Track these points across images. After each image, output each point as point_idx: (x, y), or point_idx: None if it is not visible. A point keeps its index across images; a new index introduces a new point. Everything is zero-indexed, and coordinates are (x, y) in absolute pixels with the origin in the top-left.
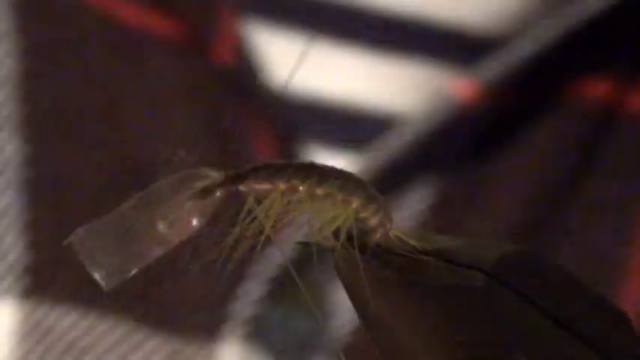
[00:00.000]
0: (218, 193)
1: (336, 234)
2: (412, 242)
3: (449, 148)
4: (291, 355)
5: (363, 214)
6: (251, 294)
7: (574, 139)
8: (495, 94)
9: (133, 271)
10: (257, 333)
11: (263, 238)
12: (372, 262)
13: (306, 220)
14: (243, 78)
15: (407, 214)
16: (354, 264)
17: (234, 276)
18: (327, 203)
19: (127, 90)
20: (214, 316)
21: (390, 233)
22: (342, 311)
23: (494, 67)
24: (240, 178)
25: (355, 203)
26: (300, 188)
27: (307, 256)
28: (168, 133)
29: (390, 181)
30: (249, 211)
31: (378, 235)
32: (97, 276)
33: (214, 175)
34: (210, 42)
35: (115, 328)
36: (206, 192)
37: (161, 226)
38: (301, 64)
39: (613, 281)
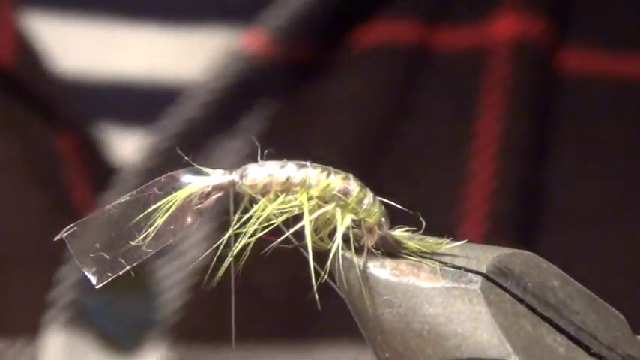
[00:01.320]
0: (213, 193)
1: (332, 235)
2: (409, 244)
3: (249, 100)
4: (121, 338)
5: (359, 216)
6: (70, 278)
7: (387, 81)
8: (289, 42)
9: (125, 268)
10: (83, 319)
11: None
12: (368, 264)
13: (301, 221)
14: (28, 74)
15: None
16: (351, 265)
17: (52, 262)
18: (323, 204)
19: None
20: (36, 307)
21: (387, 235)
22: (170, 289)
23: (282, 17)
24: (235, 178)
25: (352, 205)
26: (296, 189)
27: None
28: None
29: (190, 144)
30: (244, 211)
31: (374, 237)
32: (87, 272)
33: (209, 175)
34: None
35: None
36: (201, 191)
37: (154, 224)
38: (89, 47)
39: (449, 221)
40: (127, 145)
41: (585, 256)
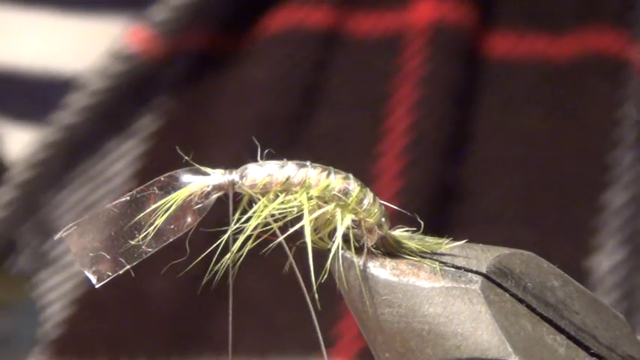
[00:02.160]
0: (213, 192)
1: (332, 235)
2: (409, 244)
3: (142, 96)
4: (2, 353)
5: (359, 216)
6: None
7: (296, 68)
8: (176, 35)
9: (125, 268)
10: None
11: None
12: (368, 264)
13: (301, 221)
14: None
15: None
16: (351, 265)
17: None
18: (323, 204)
19: None
20: None
21: (387, 235)
22: (53, 303)
23: (166, 10)
24: (235, 177)
25: (352, 205)
26: (296, 189)
27: None
28: None
29: (81, 140)
30: (244, 211)
31: (374, 237)
32: (87, 271)
33: (209, 175)
34: None
35: None
36: (201, 191)
37: (154, 224)
38: None
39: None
40: (18, 140)
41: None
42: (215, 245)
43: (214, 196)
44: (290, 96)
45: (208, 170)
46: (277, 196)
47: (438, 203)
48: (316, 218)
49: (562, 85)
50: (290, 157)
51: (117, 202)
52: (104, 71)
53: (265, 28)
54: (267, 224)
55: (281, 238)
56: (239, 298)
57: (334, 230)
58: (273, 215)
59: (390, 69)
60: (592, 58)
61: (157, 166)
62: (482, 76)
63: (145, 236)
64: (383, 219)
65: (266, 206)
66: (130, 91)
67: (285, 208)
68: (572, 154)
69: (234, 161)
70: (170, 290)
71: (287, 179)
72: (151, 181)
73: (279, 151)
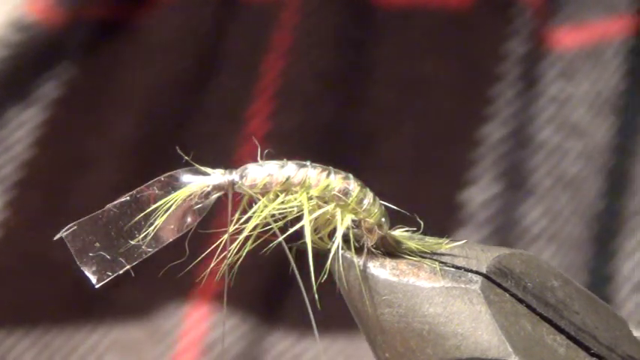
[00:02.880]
0: (212, 192)
1: (332, 235)
2: (409, 244)
3: (43, 65)
4: None
5: (359, 216)
6: None
7: (196, 32)
8: (72, 4)
9: (125, 268)
10: None
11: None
12: (368, 264)
13: (301, 221)
14: None
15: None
16: (351, 265)
17: None
18: (322, 204)
19: None
20: None
21: (387, 235)
22: None
23: None
24: (235, 177)
25: (352, 205)
26: (296, 189)
27: None
28: None
29: None
30: (244, 211)
31: (374, 237)
32: (87, 271)
33: (209, 174)
34: None
35: None
36: (200, 191)
37: (155, 224)
38: None
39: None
40: None
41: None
42: (215, 245)
43: (214, 196)
44: (188, 60)
45: (208, 170)
46: (277, 196)
47: (322, 148)
48: (316, 218)
49: (457, 30)
50: (189, 120)
51: (117, 202)
52: (3, 40)
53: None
54: (267, 224)
55: (281, 238)
56: None
57: (334, 230)
58: (273, 215)
59: (274, 23)
60: (484, 1)
61: (59, 134)
62: (378, 25)
63: (145, 236)
64: (383, 219)
65: (266, 206)
66: (30, 59)
67: (285, 208)
68: (455, 90)
69: (133, 128)
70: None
71: (287, 179)
72: (151, 181)
73: (179, 115)
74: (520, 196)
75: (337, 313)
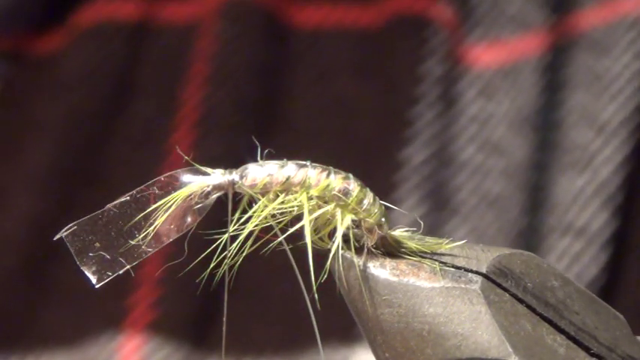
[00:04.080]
0: (213, 192)
1: (332, 235)
2: (409, 244)
3: None
4: None
5: (359, 216)
6: None
7: (110, 60)
8: None
9: (125, 268)
10: None
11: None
12: (368, 264)
13: (301, 221)
14: None
15: None
16: (351, 265)
17: None
18: (322, 204)
19: None
20: None
21: (387, 235)
22: None
23: None
24: (235, 177)
25: (352, 205)
26: (296, 189)
27: None
28: None
29: None
30: (244, 211)
31: (374, 237)
32: (87, 271)
33: (209, 174)
34: None
35: None
36: (201, 191)
37: (155, 224)
38: None
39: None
40: None
41: None
42: (215, 245)
43: (214, 196)
44: (103, 88)
45: (208, 170)
46: (277, 196)
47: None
48: (316, 218)
49: (372, 51)
50: (108, 147)
51: (117, 202)
52: None
53: (76, 24)
54: (267, 224)
55: (281, 238)
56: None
57: (334, 230)
58: (273, 215)
59: (190, 51)
60: (398, 21)
61: None
62: (294, 48)
63: (145, 236)
64: (383, 219)
65: (266, 206)
66: None
67: (285, 208)
68: (375, 111)
69: (49, 157)
70: None
71: (287, 179)
72: (151, 181)
73: (96, 143)
74: (445, 216)
75: (271, 338)
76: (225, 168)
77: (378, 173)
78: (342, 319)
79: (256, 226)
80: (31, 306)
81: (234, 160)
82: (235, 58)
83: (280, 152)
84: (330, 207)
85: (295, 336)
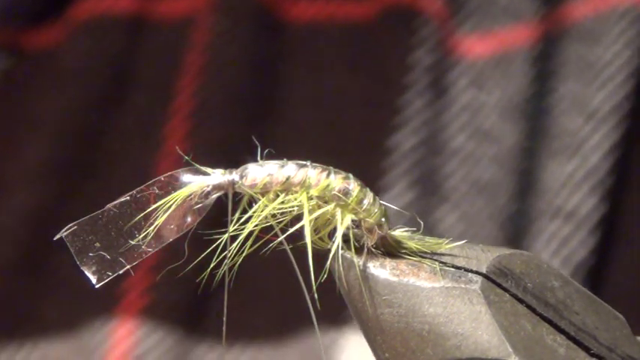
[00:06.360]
0: (213, 192)
1: (332, 235)
2: (409, 244)
3: None
4: None
5: (359, 216)
6: None
7: (107, 53)
8: None
9: (125, 268)
10: None
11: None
12: (368, 264)
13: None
14: None
15: None
16: (351, 265)
17: None
18: (322, 204)
19: None
20: None
21: (387, 235)
22: None
23: None
24: (235, 177)
25: (352, 205)
26: (296, 189)
27: None
28: None
29: None
30: (244, 211)
31: (374, 237)
32: (87, 271)
33: (209, 174)
34: None
35: None
36: (201, 190)
37: (155, 223)
38: None
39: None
40: None
41: None
42: (215, 245)
43: (214, 196)
44: (100, 81)
45: (208, 170)
46: (277, 196)
47: (239, 165)
48: (316, 218)
49: (364, 43)
50: (105, 140)
51: (117, 202)
52: None
53: (73, 18)
54: (267, 224)
55: (281, 238)
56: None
57: (334, 230)
58: (273, 215)
59: (185, 44)
60: (389, 13)
61: None
62: (288, 40)
63: (145, 236)
64: (383, 219)
65: (266, 206)
66: None
67: (285, 208)
68: (365, 101)
69: (48, 151)
70: None
71: (287, 179)
72: (151, 181)
73: (94, 135)
74: (435, 202)
75: (264, 324)
76: (219, 157)
77: (367, 159)
78: (331, 301)
79: (256, 226)
80: (28, 294)
81: (228, 149)
82: (229, 50)
83: (273, 141)
84: (330, 207)
85: (286, 321)
